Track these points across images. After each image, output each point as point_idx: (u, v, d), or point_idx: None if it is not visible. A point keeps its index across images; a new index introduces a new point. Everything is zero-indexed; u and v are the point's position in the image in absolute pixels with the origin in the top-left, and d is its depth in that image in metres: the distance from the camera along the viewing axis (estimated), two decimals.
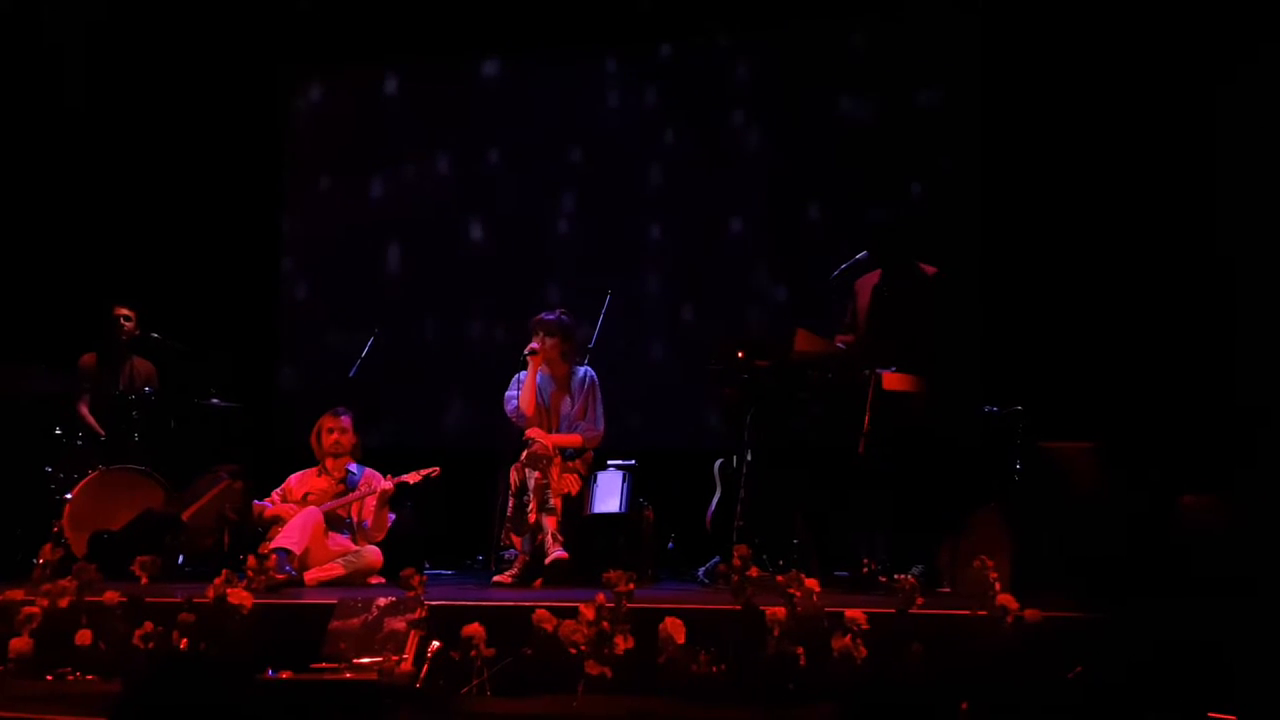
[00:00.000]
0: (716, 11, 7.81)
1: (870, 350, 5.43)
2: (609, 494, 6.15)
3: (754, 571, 4.09)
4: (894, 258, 5.59)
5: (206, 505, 6.32)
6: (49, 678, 4.28)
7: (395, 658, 4.00)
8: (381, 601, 4.20)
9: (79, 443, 6.68)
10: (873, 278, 5.69)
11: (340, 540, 5.85)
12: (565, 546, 5.63)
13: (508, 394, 6.14)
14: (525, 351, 6.05)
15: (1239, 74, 6.42)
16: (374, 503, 5.93)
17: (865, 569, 5.14)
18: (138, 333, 7.03)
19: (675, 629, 3.94)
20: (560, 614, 4.00)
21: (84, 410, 6.83)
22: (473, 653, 3.96)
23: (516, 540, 5.84)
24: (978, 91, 7.33)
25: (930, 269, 5.56)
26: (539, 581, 5.59)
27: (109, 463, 6.48)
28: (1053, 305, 6.83)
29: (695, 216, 7.87)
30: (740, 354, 5.57)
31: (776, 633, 3.92)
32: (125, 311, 7.02)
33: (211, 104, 8.21)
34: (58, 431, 6.69)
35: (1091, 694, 3.75)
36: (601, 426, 6.09)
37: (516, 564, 5.78)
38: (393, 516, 6.03)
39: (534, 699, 3.92)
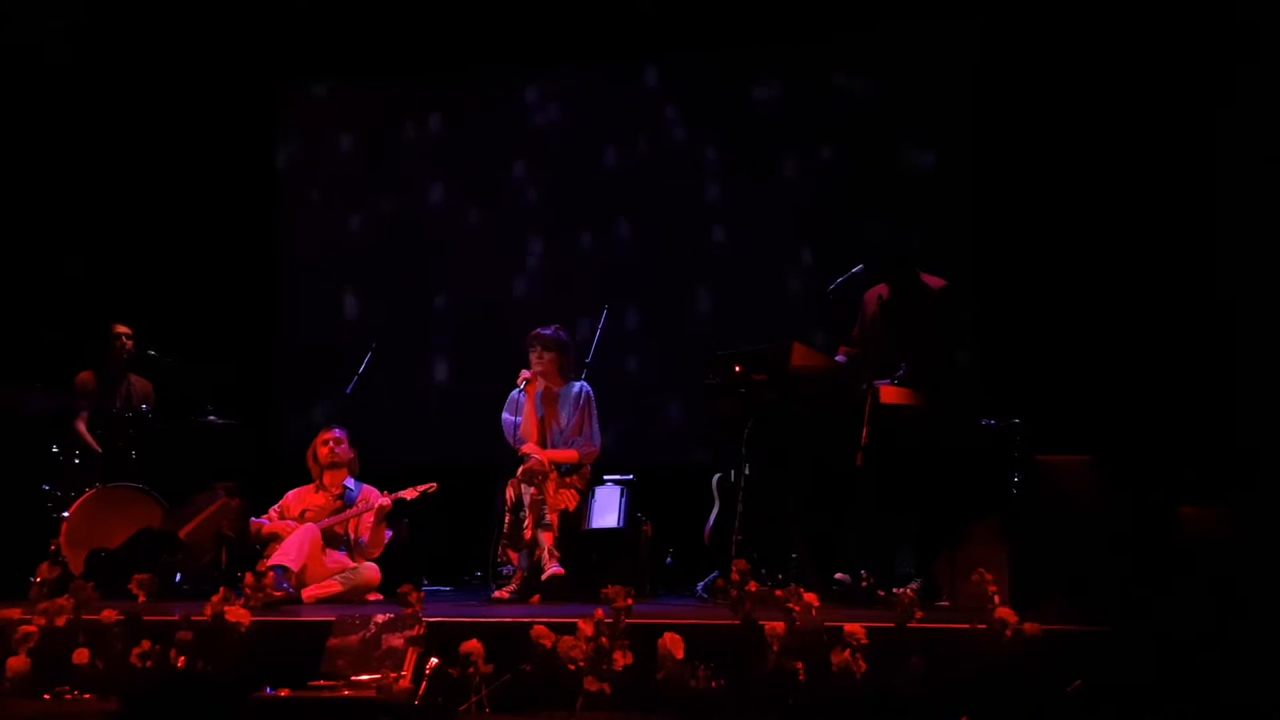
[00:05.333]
0: (714, 27, 7.84)
1: (875, 363, 5.42)
2: (607, 509, 6.14)
3: (753, 586, 4.08)
4: (898, 272, 5.59)
5: (204, 523, 6.31)
6: (46, 697, 4.26)
7: (393, 675, 3.99)
8: (379, 618, 4.19)
9: (76, 461, 6.67)
10: (878, 291, 5.69)
11: (338, 557, 5.84)
12: (563, 562, 5.63)
13: (504, 416, 6.13)
14: (520, 382, 6.03)
15: (1238, 84, 6.44)
16: (371, 519, 5.92)
17: (864, 583, 5.13)
18: (135, 350, 7.03)
19: (674, 644, 3.93)
20: (559, 630, 3.99)
21: (81, 427, 6.83)
22: (471, 669, 3.95)
23: (514, 556, 5.84)
24: (971, 107, 7.36)
25: (936, 281, 5.56)
26: (537, 597, 5.59)
27: (106, 481, 6.47)
28: (1051, 318, 6.83)
29: (692, 230, 7.88)
30: (738, 368, 5.57)
31: (776, 648, 3.91)
32: (124, 330, 7.02)
33: (207, 120, 8.22)
34: (55, 450, 6.68)
35: (1092, 706, 3.75)
36: (598, 442, 6.08)
37: (514, 580, 5.77)
38: (389, 533, 6.02)
39: (532, 715, 3.91)
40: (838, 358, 5.55)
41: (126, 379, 7.04)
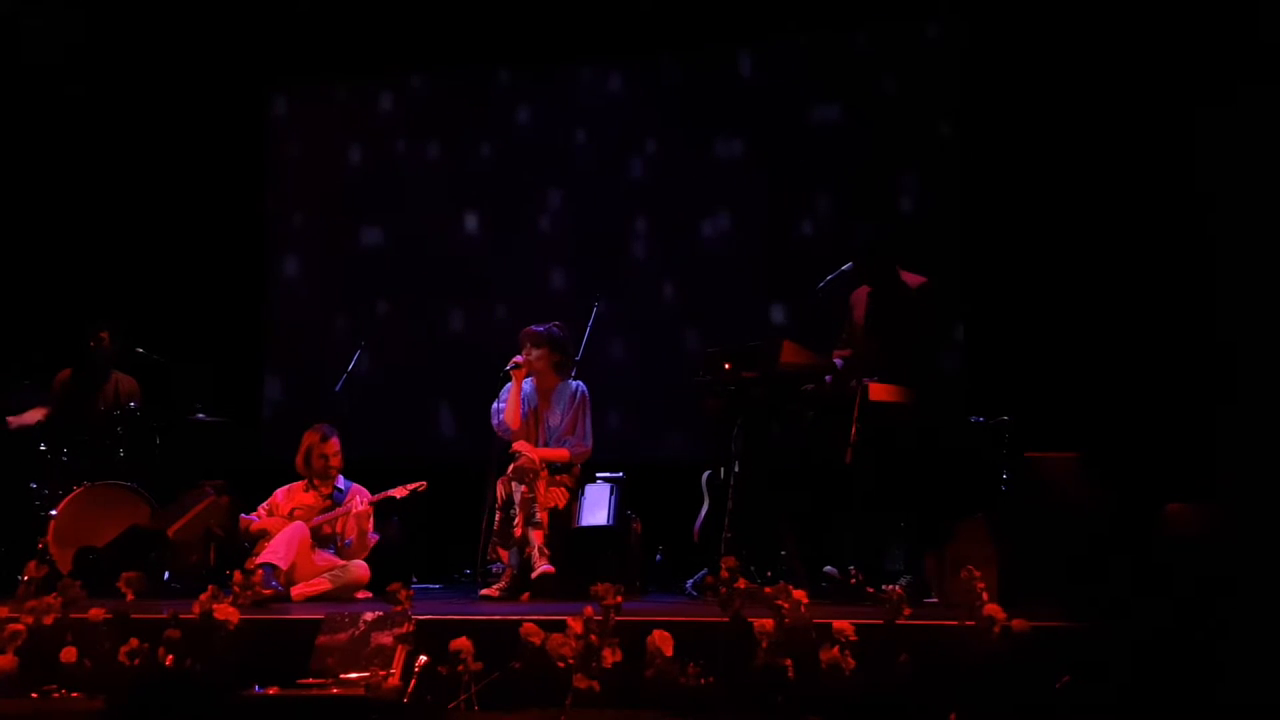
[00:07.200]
0: (705, 22, 7.84)
1: (868, 363, 5.43)
2: (597, 506, 6.14)
3: (742, 583, 4.09)
4: (878, 271, 5.60)
5: (192, 521, 6.30)
6: (34, 695, 4.25)
7: (382, 672, 3.99)
8: (368, 616, 4.19)
9: (64, 459, 6.64)
10: (866, 290, 5.70)
11: (326, 555, 5.83)
12: (553, 560, 5.62)
13: (495, 406, 6.13)
14: (508, 366, 6.04)
15: (1222, 85, 6.46)
16: (359, 519, 5.90)
17: (853, 580, 5.14)
18: (114, 350, 6.99)
19: (663, 642, 3.93)
20: (548, 627, 3.99)
21: (14, 421, 6.77)
22: (460, 667, 3.95)
23: (503, 554, 5.83)
24: (959, 104, 7.36)
25: (916, 279, 5.57)
26: (526, 595, 5.59)
27: (94, 479, 6.45)
28: (1039, 316, 6.85)
29: (684, 228, 7.88)
30: (727, 365, 5.58)
31: (765, 645, 3.92)
32: (101, 334, 6.99)
33: (196, 119, 8.22)
34: (42, 448, 6.65)
35: (1079, 703, 3.76)
36: (590, 443, 6.06)
37: (504, 578, 5.77)
38: (376, 537, 6.00)
39: (522, 713, 3.91)
40: (835, 361, 5.55)
41: (112, 378, 7.02)
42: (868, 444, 5.14)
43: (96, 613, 4.38)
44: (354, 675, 4.01)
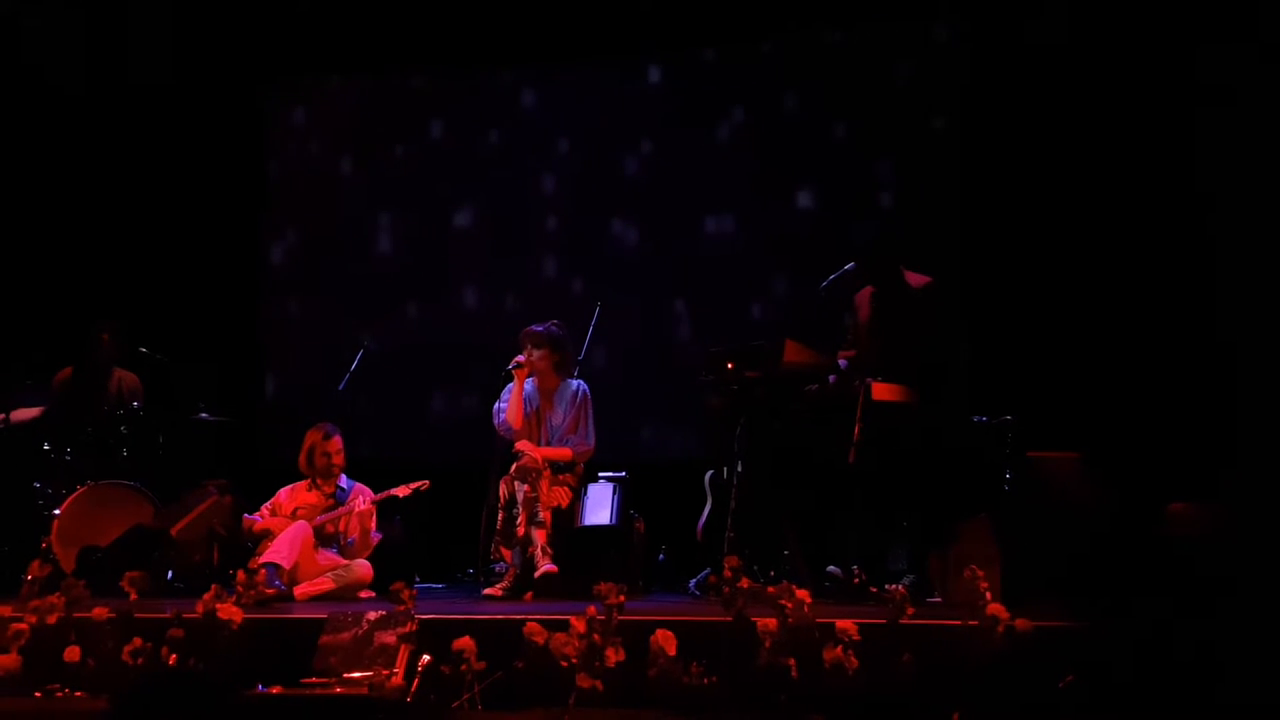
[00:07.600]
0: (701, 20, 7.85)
1: (873, 363, 5.42)
2: (599, 506, 6.14)
3: (745, 583, 4.09)
4: (881, 271, 5.60)
5: (195, 520, 6.30)
6: (37, 695, 4.25)
7: (385, 672, 3.99)
8: (371, 615, 4.19)
9: (67, 458, 6.65)
10: (870, 290, 5.69)
11: (329, 555, 5.84)
12: (555, 559, 5.62)
13: (496, 406, 6.13)
14: (510, 366, 6.04)
15: (1222, 84, 6.46)
16: (361, 518, 5.91)
17: (856, 579, 5.14)
18: (115, 350, 6.99)
19: (667, 641, 3.93)
20: (551, 627, 3.99)
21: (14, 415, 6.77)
22: (463, 666, 3.95)
23: (506, 553, 5.83)
24: (960, 104, 7.37)
25: (920, 279, 5.57)
26: (529, 594, 5.59)
27: (97, 478, 6.45)
28: (1042, 315, 6.85)
29: (683, 227, 7.89)
30: (730, 365, 5.59)
31: (768, 644, 3.92)
32: (102, 335, 6.98)
33: (197, 119, 8.22)
34: (46, 447, 6.66)
35: (1083, 702, 3.77)
36: (592, 441, 6.06)
37: (507, 577, 5.77)
38: (379, 536, 6.00)
39: (525, 713, 3.91)
40: (840, 363, 5.55)
41: (114, 375, 7.02)
42: (871, 444, 5.14)
43: (100, 612, 4.39)
44: (357, 674, 4.01)
